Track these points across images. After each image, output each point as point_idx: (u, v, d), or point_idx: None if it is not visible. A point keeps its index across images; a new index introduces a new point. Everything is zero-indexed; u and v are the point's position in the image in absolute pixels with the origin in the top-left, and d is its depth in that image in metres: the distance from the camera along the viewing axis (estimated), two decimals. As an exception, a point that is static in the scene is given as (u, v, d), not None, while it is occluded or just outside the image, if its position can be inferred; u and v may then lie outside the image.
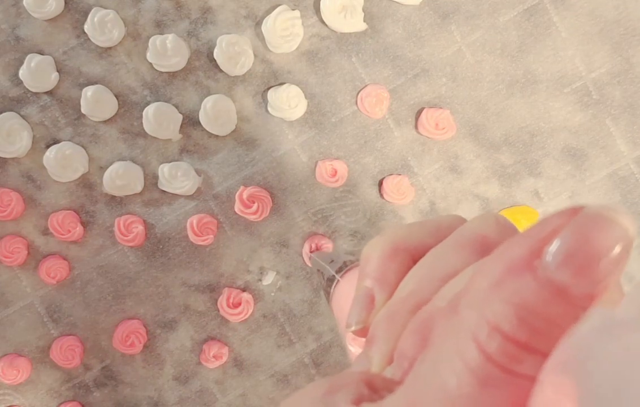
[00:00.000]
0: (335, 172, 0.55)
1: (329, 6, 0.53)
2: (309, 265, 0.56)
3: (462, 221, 0.20)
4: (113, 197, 0.55)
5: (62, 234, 0.54)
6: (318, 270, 0.44)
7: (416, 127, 0.56)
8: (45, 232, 0.55)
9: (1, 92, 0.54)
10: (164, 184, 0.55)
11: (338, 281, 0.37)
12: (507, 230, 0.19)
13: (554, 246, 0.12)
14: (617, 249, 0.12)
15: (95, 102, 0.53)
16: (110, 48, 0.53)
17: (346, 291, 0.36)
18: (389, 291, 0.20)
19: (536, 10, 0.55)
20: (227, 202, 0.56)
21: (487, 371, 0.12)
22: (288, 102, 0.54)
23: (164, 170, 0.54)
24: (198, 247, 0.56)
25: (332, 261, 0.40)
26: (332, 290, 0.38)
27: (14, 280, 0.56)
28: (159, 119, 0.53)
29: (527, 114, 0.56)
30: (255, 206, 0.55)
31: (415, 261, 0.20)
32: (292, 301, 0.58)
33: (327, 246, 0.56)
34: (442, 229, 0.20)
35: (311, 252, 0.53)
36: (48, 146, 0.54)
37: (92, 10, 0.52)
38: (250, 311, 0.57)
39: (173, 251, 0.56)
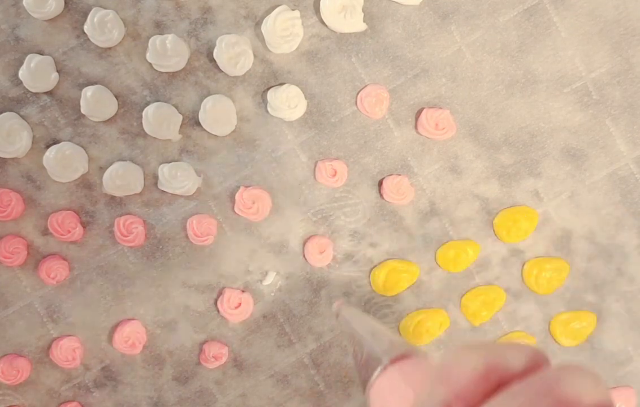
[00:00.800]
0: (335, 172, 0.55)
1: (329, 6, 0.53)
2: (336, 318, 0.48)
3: (543, 357, 0.20)
4: (113, 197, 0.55)
5: (62, 234, 0.54)
6: (351, 335, 0.40)
7: (416, 127, 0.56)
8: (45, 232, 0.55)
9: (1, 93, 0.54)
10: (163, 184, 0.55)
11: (387, 366, 0.34)
12: (605, 401, 0.18)
13: None
14: None
15: (95, 102, 0.53)
16: (110, 48, 0.53)
17: (397, 383, 0.32)
18: None
19: (536, 10, 0.55)
20: (227, 202, 0.56)
21: None
22: (288, 103, 0.54)
23: (164, 171, 0.54)
24: (198, 248, 0.56)
25: (374, 334, 0.37)
26: (376, 374, 0.33)
27: (13, 280, 0.56)
28: (158, 119, 0.53)
29: (527, 114, 0.56)
30: (255, 206, 0.55)
31: (501, 386, 0.19)
32: (292, 301, 0.58)
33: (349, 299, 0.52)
34: (534, 359, 0.20)
35: (339, 305, 0.47)
36: (48, 146, 0.54)
37: (92, 11, 0.52)
38: (250, 311, 0.57)
39: (173, 251, 0.56)
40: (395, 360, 0.33)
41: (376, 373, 0.33)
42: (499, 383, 0.20)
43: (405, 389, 0.20)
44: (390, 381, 0.32)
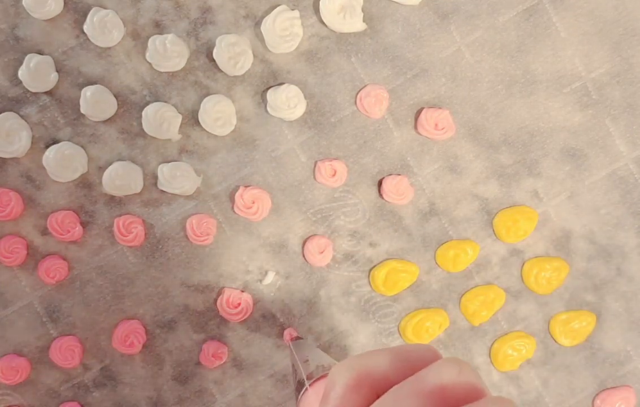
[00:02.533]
0: (335, 172, 0.56)
1: (328, 6, 0.53)
2: (287, 348, 0.56)
3: (432, 354, 0.21)
4: (112, 197, 0.55)
5: (62, 234, 0.54)
6: (292, 364, 0.45)
7: (415, 127, 0.56)
8: (45, 232, 0.55)
9: (0, 92, 0.54)
10: (163, 184, 0.55)
11: (307, 389, 0.38)
12: (470, 383, 0.19)
13: None
14: None
15: (95, 102, 0.53)
16: (109, 48, 0.53)
17: (313, 403, 0.37)
18: None
19: (535, 11, 0.55)
20: (227, 202, 0.56)
21: None
22: (287, 102, 0.54)
23: (164, 171, 0.54)
24: (197, 247, 0.56)
25: (307, 360, 0.41)
26: (300, 395, 0.39)
27: (13, 280, 0.56)
28: (158, 119, 0.53)
29: (527, 114, 0.56)
30: (254, 206, 0.55)
31: (378, 395, 0.20)
32: (292, 301, 0.58)
33: (299, 335, 0.57)
34: (410, 362, 0.21)
35: (290, 340, 0.54)
36: (47, 146, 0.54)
37: (92, 11, 0.52)
38: (250, 311, 0.57)
39: (172, 251, 0.56)
40: (313, 383, 0.36)
41: (300, 395, 0.38)
42: (377, 393, 0.20)
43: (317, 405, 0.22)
44: (308, 402, 0.37)
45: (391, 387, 0.20)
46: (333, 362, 0.42)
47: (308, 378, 0.39)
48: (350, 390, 0.20)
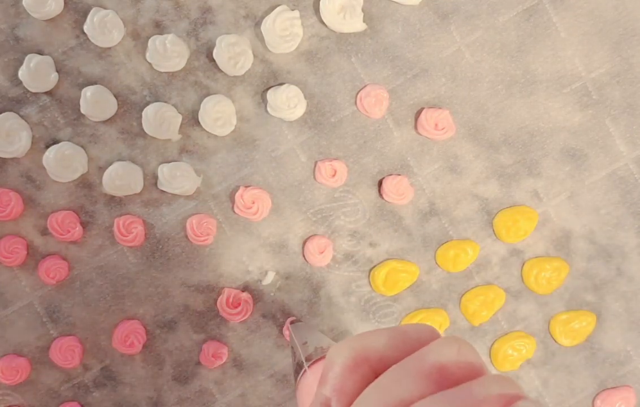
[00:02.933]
0: (335, 172, 0.55)
1: (328, 6, 0.53)
2: (287, 337, 0.56)
3: (430, 333, 0.21)
4: (112, 197, 0.55)
5: (62, 234, 0.54)
6: (291, 347, 0.45)
7: (415, 127, 0.56)
8: (45, 232, 0.55)
9: (0, 92, 0.54)
10: (163, 184, 0.55)
11: (305, 370, 0.38)
12: (469, 362, 0.19)
13: None
14: None
15: (95, 102, 0.53)
16: (109, 48, 0.53)
17: (311, 385, 0.37)
18: (346, 403, 0.20)
19: (535, 11, 0.55)
20: (227, 202, 0.56)
21: None
22: (287, 103, 0.54)
23: (164, 171, 0.54)
24: (197, 248, 0.56)
25: (306, 342, 0.41)
26: (299, 377, 0.38)
27: (13, 280, 0.56)
28: (158, 119, 0.53)
29: (527, 114, 0.56)
30: (254, 206, 0.55)
31: (377, 374, 0.20)
32: (292, 301, 0.58)
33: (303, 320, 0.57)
34: (409, 341, 0.21)
35: (290, 322, 0.54)
36: (47, 146, 0.54)
37: (92, 11, 0.52)
38: (250, 311, 0.57)
39: (172, 251, 0.56)
40: (312, 364, 0.36)
41: (299, 377, 0.38)
42: (375, 372, 0.20)
43: (315, 387, 0.21)
44: (307, 383, 0.37)
45: (390, 366, 0.20)
46: (332, 344, 0.41)
47: (307, 360, 0.39)
48: (349, 370, 0.20)
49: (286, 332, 0.57)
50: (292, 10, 0.53)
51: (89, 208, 0.55)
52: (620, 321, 0.59)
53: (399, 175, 0.56)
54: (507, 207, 0.57)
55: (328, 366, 0.21)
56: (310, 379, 0.37)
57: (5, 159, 0.54)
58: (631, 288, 0.59)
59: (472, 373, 0.19)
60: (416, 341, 0.20)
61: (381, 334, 0.21)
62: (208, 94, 0.54)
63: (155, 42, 0.52)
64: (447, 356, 0.19)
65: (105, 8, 0.52)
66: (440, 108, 0.55)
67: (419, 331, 0.21)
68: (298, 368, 0.39)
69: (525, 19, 0.55)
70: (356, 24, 0.53)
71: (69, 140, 0.54)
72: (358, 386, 0.20)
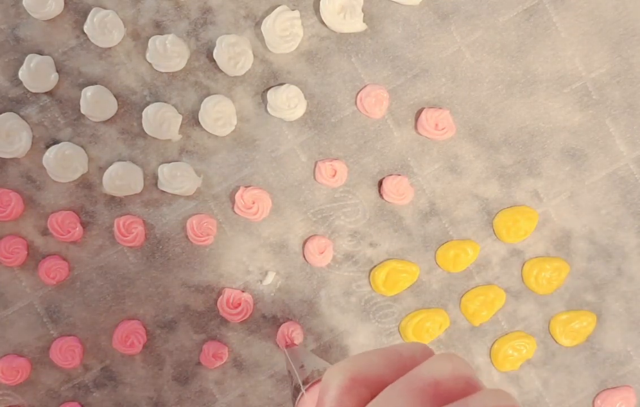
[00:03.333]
0: (335, 172, 0.56)
1: (329, 6, 0.53)
2: (281, 351, 0.57)
3: (423, 350, 0.21)
4: (112, 197, 0.55)
5: (62, 235, 0.54)
6: (288, 371, 0.46)
7: (416, 127, 0.56)
8: (45, 232, 0.55)
9: (1, 93, 0.54)
10: (163, 185, 0.55)
11: (302, 394, 0.39)
12: (463, 377, 0.19)
13: None
14: None
15: (95, 102, 0.53)
16: (109, 48, 0.53)
17: None
18: None
19: (536, 11, 0.55)
20: (227, 202, 0.56)
21: None
22: (288, 103, 0.54)
23: (164, 171, 0.54)
24: (198, 248, 0.56)
25: (302, 366, 0.42)
26: (297, 401, 0.39)
27: (13, 280, 0.56)
28: (158, 119, 0.53)
29: (527, 114, 0.56)
30: (255, 206, 0.55)
31: (373, 395, 0.20)
32: (292, 302, 0.58)
33: (299, 338, 0.57)
34: (403, 360, 0.21)
35: (285, 346, 0.54)
36: (47, 146, 0.54)
37: (92, 11, 0.52)
38: (250, 311, 0.57)
39: (173, 252, 0.56)
40: (309, 388, 0.38)
41: (297, 401, 0.38)
42: (371, 393, 0.20)
43: None
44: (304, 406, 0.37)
45: (385, 386, 0.20)
46: (328, 366, 0.42)
47: (304, 383, 0.39)
48: (345, 392, 0.20)
49: (280, 342, 0.57)
50: (292, 10, 0.53)
51: (89, 208, 0.55)
52: (621, 321, 0.59)
53: (399, 175, 0.56)
54: (507, 207, 0.57)
55: (324, 389, 0.21)
56: (308, 402, 0.38)
57: (5, 159, 0.54)
58: (631, 288, 0.59)
59: (468, 388, 0.19)
60: (410, 360, 0.20)
61: (375, 355, 0.21)
62: (208, 94, 0.54)
63: (156, 42, 0.53)
64: (441, 372, 0.19)
65: (105, 8, 0.52)
66: (440, 108, 0.55)
67: (413, 350, 0.21)
68: (295, 392, 0.40)
69: (525, 19, 0.55)
70: (356, 24, 0.53)
71: (69, 141, 0.54)
72: (358, 405, 0.20)
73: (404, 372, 0.20)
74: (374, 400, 0.19)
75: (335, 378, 0.21)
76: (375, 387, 0.20)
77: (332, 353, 0.59)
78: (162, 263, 0.56)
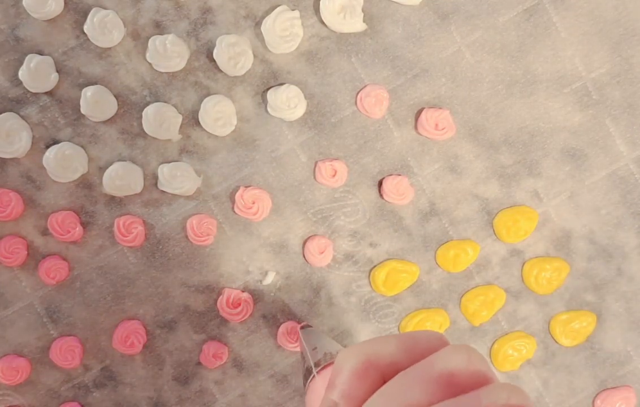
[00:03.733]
0: (335, 172, 0.56)
1: (329, 6, 0.53)
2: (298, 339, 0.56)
3: (439, 340, 0.21)
4: (112, 197, 0.55)
5: (62, 235, 0.54)
6: (301, 352, 0.46)
7: (416, 127, 0.56)
8: (45, 232, 0.55)
9: (1, 93, 0.54)
10: (163, 185, 0.55)
11: (314, 375, 0.38)
12: (478, 371, 0.19)
13: None
14: None
15: (95, 102, 0.53)
16: (109, 48, 0.53)
17: (320, 390, 0.37)
18: None
19: (536, 11, 0.55)
20: (227, 202, 0.56)
21: None
22: (288, 103, 0.54)
23: (164, 171, 0.54)
24: (198, 248, 0.56)
25: (315, 348, 0.41)
26: (307, 382, 0.39)
27: (13, 280, 0.56)
28: (158, 120, 0.53)
29: (527, 114, 0.56)
30: (254, 206, 0.55)
31: (385, 380, 0.20)
32: (292, 302, 0.58)
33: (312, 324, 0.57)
34: (418, 348, 0.21)
35: (300, 328, 0.54)
36: (47, 146, 0.54)
37: (92, 11, 0.52)
38: (250, 311, 0.57)
39: (172, 252, 0.56)
40: (321, 370, 0.36)
41: (308, 382, 0.38)
42: (383, 378, 0.20)
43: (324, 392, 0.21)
44: (316, 388, 0.37)
45: (398, 372, 0.19)
46: (341, 349, 0.41)
47: (316, 365, 0.39)
48: (357, 375, 0.20)
49: (281, 338, 0.57)
50: (292, 10, 0.53)
51: (89, 208, 0.55)
52: (621, 321, 0.59)
53: (399, 175, 0.56)
54: (507, 207, 0.57)
55: (336, 371, 0.21)
56: (319, 384, 0.37)
57: (5, 159, 0.54)
58: (631, 288, 0.59)
59: (481, 381, 0.19)
60: (425, 348, 0.20)
61: (390, 340, 0.21)
62: (208, 94, 0.54)
63: (156, 42, 0.53)
64: (456, 364, 0.19)
65: (105, 8, 0.52)
66: (440, 108, 0.55)
67: (429, 338, 0.21)
68: (307, 373, 0.39)
69: (525, 19, 0.55)
70: (356, 24, 0.53)
71: (69, 141, 0.54)
72: (366, 391, 0.20)
73: (418, 360, 0.20)
74: (386, 385, 0.19)
75: (348, 361, 0.20)
76: (389, 373, 0.20)
77: (332, 353, 0.59)
78: (162, 263, 0.56)
